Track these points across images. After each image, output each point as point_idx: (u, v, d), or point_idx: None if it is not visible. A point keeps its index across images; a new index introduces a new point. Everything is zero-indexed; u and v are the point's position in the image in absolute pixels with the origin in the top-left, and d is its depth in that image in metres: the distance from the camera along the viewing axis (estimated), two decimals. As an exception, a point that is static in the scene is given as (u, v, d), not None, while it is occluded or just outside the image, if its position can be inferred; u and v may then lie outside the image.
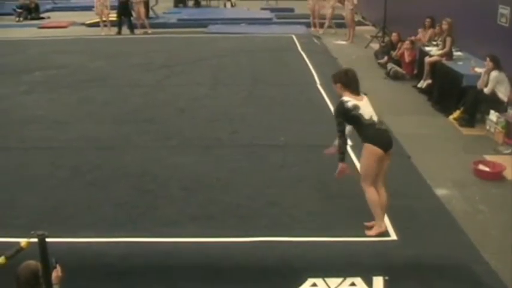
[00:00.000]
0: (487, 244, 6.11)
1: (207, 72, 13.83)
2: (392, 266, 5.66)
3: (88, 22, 22.18)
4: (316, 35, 19.39)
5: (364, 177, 6.13)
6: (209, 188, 7.44)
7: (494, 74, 9.68)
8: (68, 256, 4.90)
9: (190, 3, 26.68)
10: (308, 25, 20.92)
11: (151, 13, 22.53)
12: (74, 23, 22.81)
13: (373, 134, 5.96)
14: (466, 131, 9.86)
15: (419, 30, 13.79)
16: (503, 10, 10.55)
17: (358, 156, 6.87)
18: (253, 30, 20.32)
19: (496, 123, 9.32)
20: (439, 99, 11.23)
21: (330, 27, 20.30)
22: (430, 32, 13.34)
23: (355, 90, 6.13)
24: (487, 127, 9.59)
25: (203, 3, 26.82)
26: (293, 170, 7.89)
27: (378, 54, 15.39)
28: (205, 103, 11.25)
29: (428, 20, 13.49)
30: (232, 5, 26.91)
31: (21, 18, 24.17)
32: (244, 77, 13.33)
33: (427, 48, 12.84)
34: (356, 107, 5.95)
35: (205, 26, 21.05)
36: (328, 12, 19.99)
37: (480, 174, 7.96)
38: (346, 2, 18.69)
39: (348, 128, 6.16)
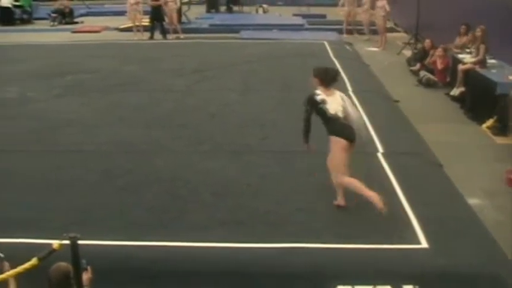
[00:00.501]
0: (519, 254, 6.04)
1: (238, 78, 13.88)
2: (423, 274, 5.62)
3: (121, 27, 22.40)
4: (348, 42, 19.34)
5: (336, 168, 6.70)
6: (239, 193, 7.47)
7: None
8: (98, 258, 4.94)
9: (223, 8, 26.79)
10: (340, 31, 20.88)
11: (183, 18, 22.69)
12: (107, 28, 23.07)
13: (338, 128, 6.62)
14: (499, 139, 9.76)
15: (457, 37, 13.65)
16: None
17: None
18: (284, 36, 20.32)
19: (530, 132, 9.22)
20: (472, 107, 11.13)
21: (363, 33, 20.25)
22: (464, 39, 13.22)
23: (328, 87, 6.76)
24: (521, 136, 9.49)
25: (235, 8, 26.91)
26: (323, 177, 7.87)
27: (410, 61, 15.30)
28: (236, 108, 11.29)
29: (463, 26, 13.37)
30: (264, 11, 26.95)
31: (55, 23, 24.54)
32: (275, 83, 13.33)
33: (460, 56, 12.73)
34: (324, 101, 6.66)
35: (237, 32, 21.12)
36: (365, 17, 19.87)
37: (513, 183, 7.87)
38: (378, 9, 18.62)
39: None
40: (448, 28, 14.20)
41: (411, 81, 13.81)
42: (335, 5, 22.00)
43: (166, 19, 20.57)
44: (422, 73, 13.69)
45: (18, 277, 4.23)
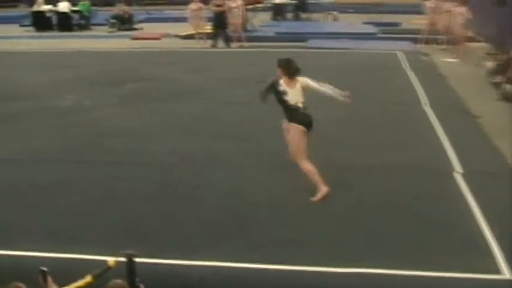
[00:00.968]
0: None
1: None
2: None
3: (183, 34, 22.72)
4: (424, 52, 19.06)
5: (297, 152, 7.70)
6: (299, 210, 7.42)
7: None
8: (151, 276, 4.98)
9: (289, 15, 26.82)
10: (415, 41, 20.62)
11: (248, 25, 22.81)
12: (167, 35, 23.45)
13: (297, 116, 7.70)
14: None
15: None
16: None
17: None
18: (355, 46, 20.20)
19: None
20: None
21: (440, 43, 19.96)
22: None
23: (291, 78, 7.73)
24: None
25: (303, 16, 26.91)
26: (385, 195, 7.75)
27: (491, 73, 14.95)
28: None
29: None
30: (334, 19, 26.89)
31: (114, 29, 25.10)
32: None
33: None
34: (285, 93, 7.68)
35: (304, 41, 21.10)
36: (443, 25, 19.53)
37: None
38: (456, 15, 18.30)
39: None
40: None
41: (492, 95, 13.49)
42: (410, 12, 21.77)
43: (230, 26, 20.72)
44: (506, 86, 13.35)
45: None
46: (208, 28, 21.05)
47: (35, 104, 12.82)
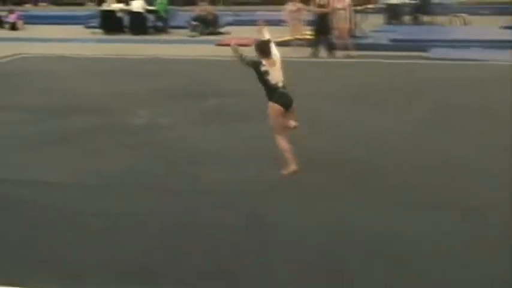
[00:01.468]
0: None
1: (421, 109, 13.95)
2: None
3: (278, 40, 22.94)
4: None
5: (274, 128, 9.76)
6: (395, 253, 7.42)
7: None
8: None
9: (407, 18, 26.59)
10: None
11: (357, 31, 22.79)
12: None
13: (276, 96, 9.58)
14: None
15: None
16: None
17: None
18: (488, 57, 20.04)
19: None
20: None
21: None
22: None
23: (269, 57, 9.58)
24: None
25: (425, 19, 26.60)
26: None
27: None
28: (422, 146, 11.33)
29: None
30: (463, 22, 26.53)
31: (196, 33, 25.43)
32: (473, 117, 13.24)
33: None
34: (266, 73, 9.50)
35: (425, 50, 21.09)
36: None
37: None
38: None
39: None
40: None
41: None
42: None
43: (335, 31, 20.72)
44: None
45: None
46: (308, 33, 21.09)
47: (102, 120, 13.34)
